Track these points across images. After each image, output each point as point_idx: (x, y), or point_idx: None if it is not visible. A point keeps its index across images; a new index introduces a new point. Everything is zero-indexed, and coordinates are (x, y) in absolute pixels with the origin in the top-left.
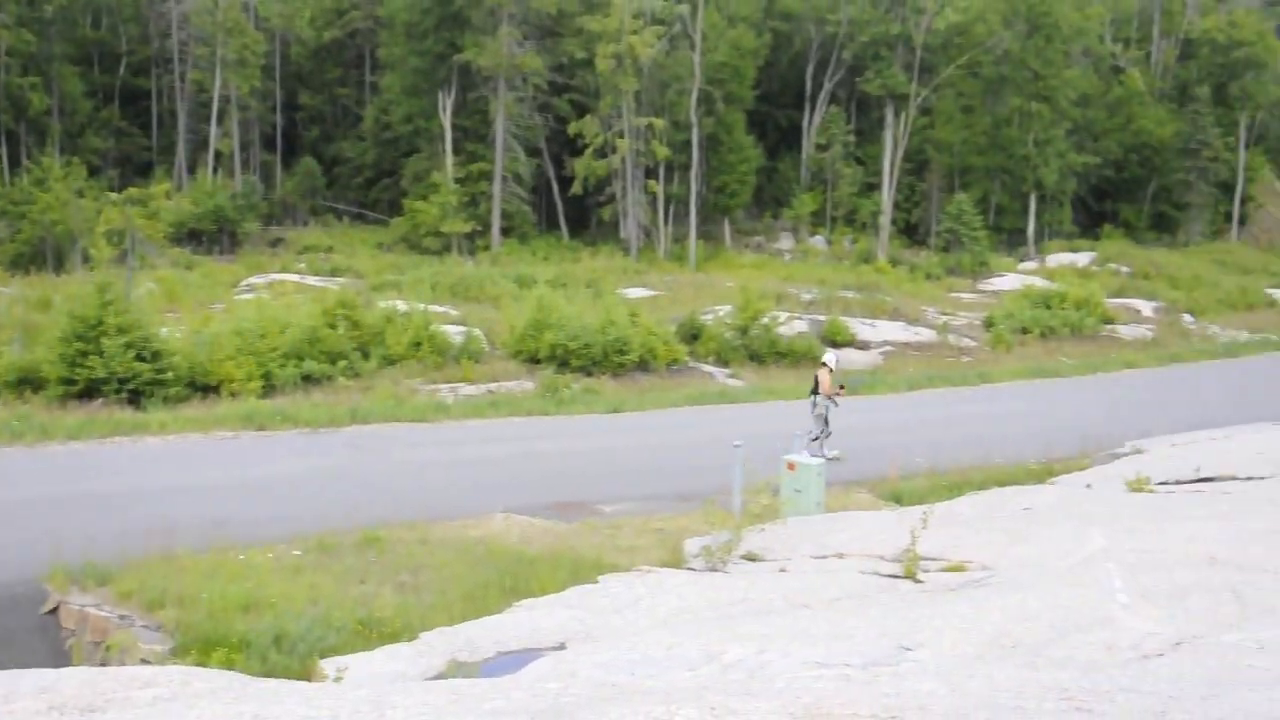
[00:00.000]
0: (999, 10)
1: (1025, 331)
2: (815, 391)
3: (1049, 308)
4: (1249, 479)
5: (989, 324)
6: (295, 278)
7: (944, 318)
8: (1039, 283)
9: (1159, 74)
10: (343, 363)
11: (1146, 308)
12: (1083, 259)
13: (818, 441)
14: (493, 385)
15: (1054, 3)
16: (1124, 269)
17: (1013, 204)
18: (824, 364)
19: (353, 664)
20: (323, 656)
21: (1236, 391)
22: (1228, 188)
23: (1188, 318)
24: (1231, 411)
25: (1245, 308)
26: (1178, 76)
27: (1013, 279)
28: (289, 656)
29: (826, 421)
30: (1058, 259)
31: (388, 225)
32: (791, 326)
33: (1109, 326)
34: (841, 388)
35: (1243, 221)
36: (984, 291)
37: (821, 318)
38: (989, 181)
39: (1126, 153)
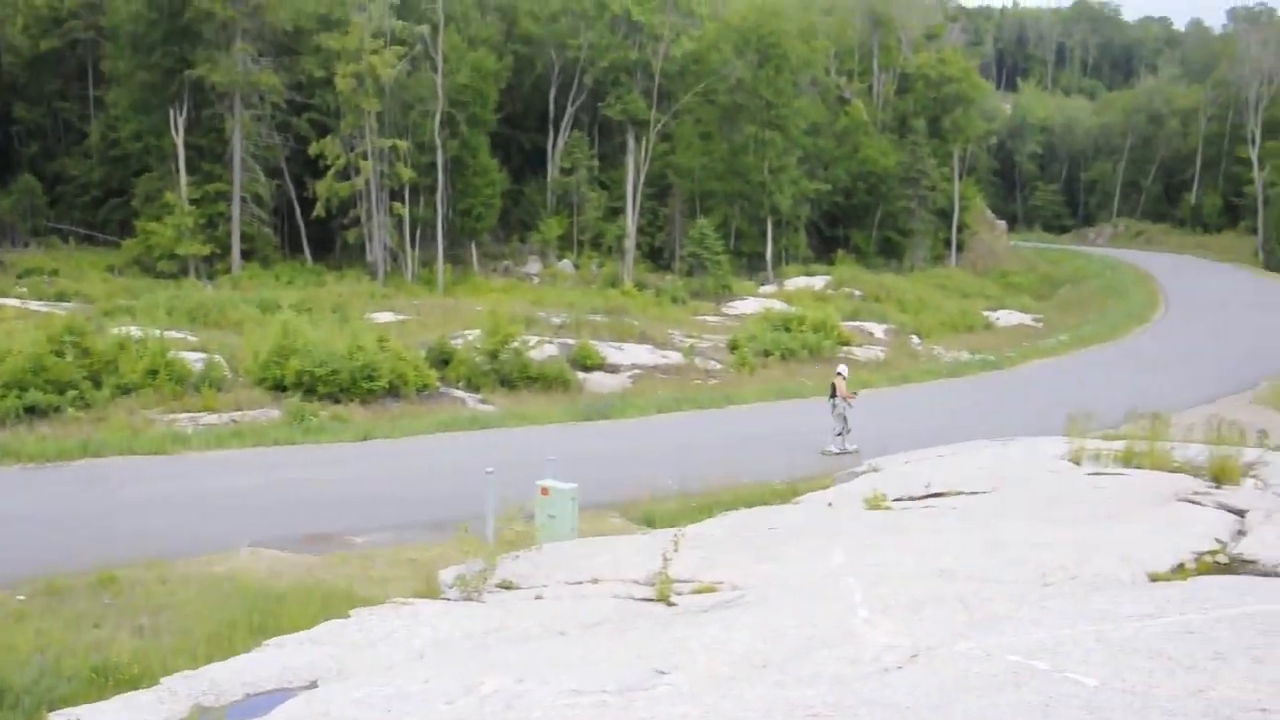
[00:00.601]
0: (731, 40)
1: (768, 354)
2: (833, 395)
3: (789, 330)
4: (974, 493)
5: (733, 347)
6: (15, 303)
7: (690, 341)
8: (779, 306)
9: (880, 106)
10: (72, 393)
11: (878, 330)
12: (819, 283)
13: (841, 436)
14: (236, 414)
15: (782, 34)
16: (857, 293)
17: (752, 229)
18: (838, 373)
19: (86, 715)
20: (52, 709)
21: (960, 409)
22: (946, 215)
23: (915, 339)
24: (956, 428)
25: (966, 329)
26: (897, 109)
27: (754, 302)
28: (13, 712)
29: (846, 420)
30: (796, 283)
31: (119, 247)
32: (542, 350)
33: (845, 348)
34: (855, 393)
35: (960, 248)
36: (728, 315)
37: (571, 341)
38: (729, 207)
39: (855, 181)
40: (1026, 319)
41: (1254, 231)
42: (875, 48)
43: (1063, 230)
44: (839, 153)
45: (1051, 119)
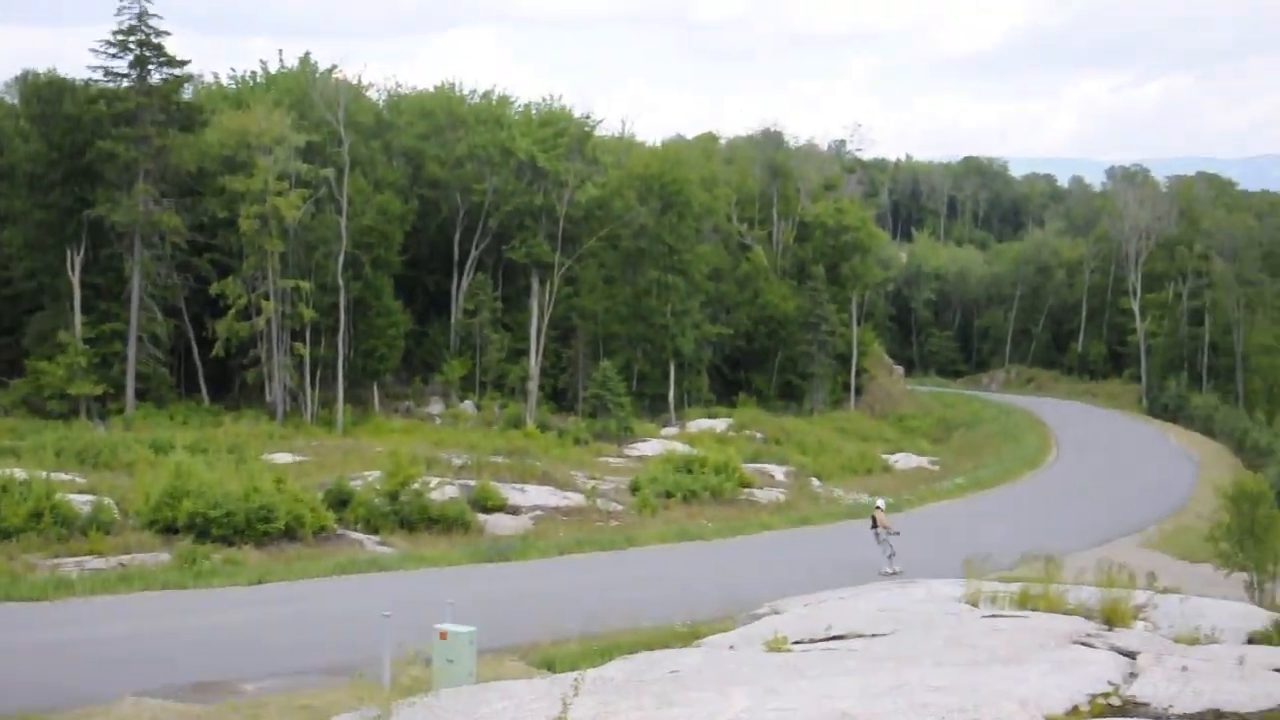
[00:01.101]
0: (635, 187)
1: (669, 495)
2: (875, 527)
3: (691, 472)
4: (874, 635)
5: (635, 488)
6: None
7: (592, 482)
8: (681, 448)
9: (780, 253)
10: None
11: (779, 472)
12: (720, 425)
13: (892, 558)
14: (125, 558)
15: (684, 182)
16: (758, 435)
17: (654, 371)
18: (878, 506)
19: None
20: None
21: (859, 551)
22: (845, 360)
23: (816, 482)
24: (855, 571)
25: (865, 472)
26: (796, 256)
27: (656, 444)
28: None
29: (891, 545)
30: (698, 425)
31: (6, 387)
32: (443, 492)
33: (746, 490)
34: (897, 531)
35: (859, 392)
36: (630, 456)
37: (472, 482)
38: (632, 349)
39: (755, 325)
40: (924, 462)
41: (1138, 379)
42: (775, 197)
43: (957, 375)
44: (740, 297)
45: (945, 268)
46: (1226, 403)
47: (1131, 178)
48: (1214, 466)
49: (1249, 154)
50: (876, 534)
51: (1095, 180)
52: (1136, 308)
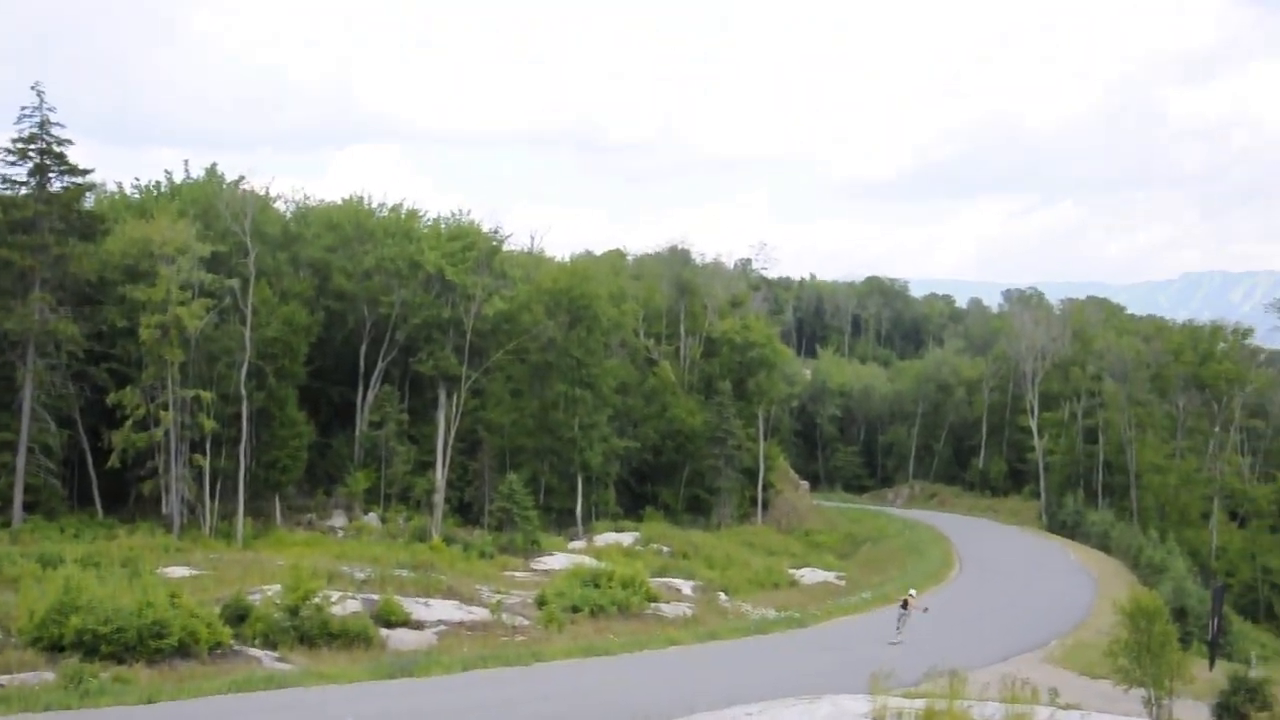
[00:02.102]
0: (543, 301)
1: (576, 610)
2: (904, 607)
3: (598, 586)
4: None
5: (541, 602)
6: None
7: (498, 596)
8: (588, 561)
9: (687, 368)
10: None
11: (686, 586)
12: (628, 539)
13: (900, 632)
14: (4, 678)
15: (592, 297)
16: (665, 549)
17: (562, 484)
18: (910, 593)
19: None
20: None
21: (767, 665)
22: (751, 474)
23: (723, 596)
24: (763, 687)
25: (772, 586)
26: (703, 371)
27: (563, 558)
28: None
29: (905, 623)
30: (605, 538)
31: None
32: (344, 606)
33: (653, 605)
34: (926, 609)
35: (765, 506)
36: (537, 570)
37: (375, 597)
38: (539, 462)
39: (663, 439)
40: (830, 576)
41: (1037, 495)
42: (682, 312)
43: (862, 490)
44: (648, 411)
45: (849, 384)
46: (1122, 519)
47: (1027, 300)
48: (1112, 583)
49: (1136, 280)
50: (903, 614)
51: (992, 302)
52: (1034, 426)
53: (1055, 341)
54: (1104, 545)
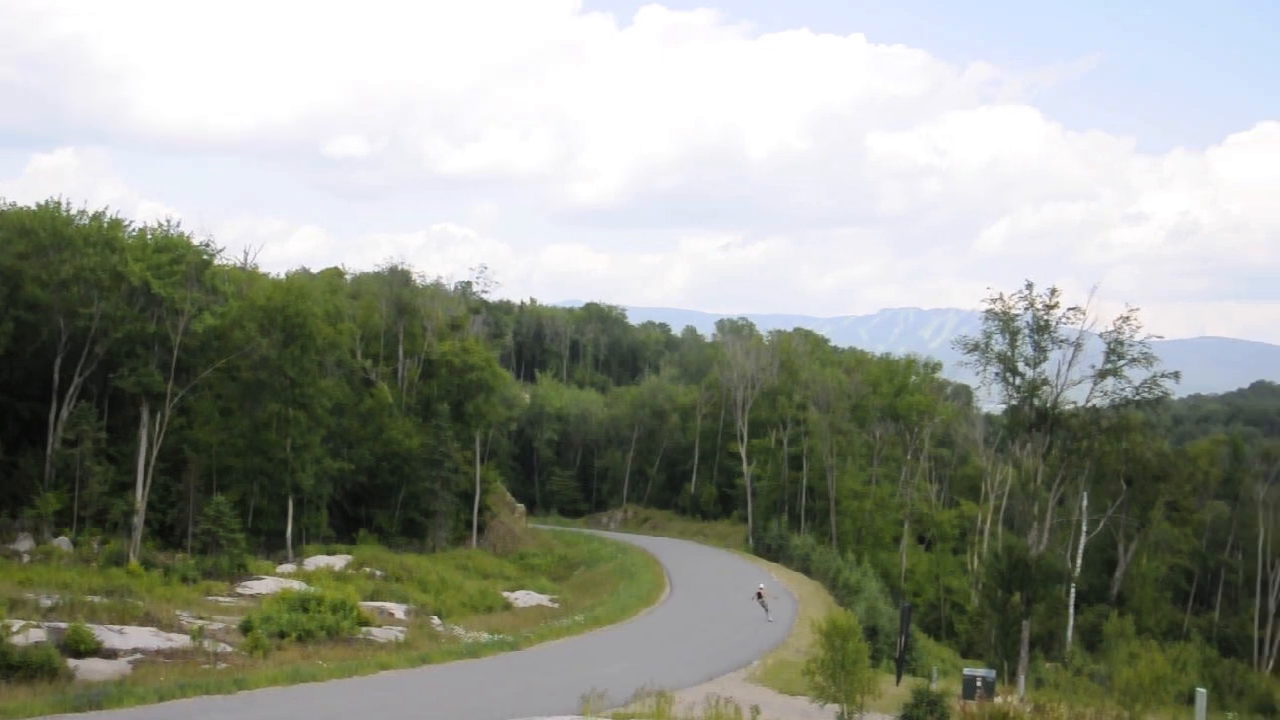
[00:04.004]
0: (256, 318)
1: (284, 635)
2: (760, 598)
3: (307, 611)
4: None
5: (246, 628)
6: None
7: (200, 622)
8: (297, 585)
9: (405, 389)
10: None
11: (399, 610)
12: (339, 562)
13: (769, 613)
14: None
15: (308, 315)
16: (378, 572)
17: (272, 506)
18: (761, 587)
19: None
20: None
21: (479, 690)
22: (468, 497)
23: (436, 620)
24: (474, 710)
25: (486, 609)
26: (422, 393)
27: (272, 582)
28: None
29: (768, 608)
30: (316, 562)
31: None
32: (28, 636)
33: (365, 629)
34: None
35: (481, 529)
36: (243, 595)
37: (63, 625)
38: (248, 483)
39: (379, 461)
40: (544, 599)
41: (745, 520)
42: (401, 334)
43: (578, 514)
44: (364, 433)
45: (567, 409)
46: (822, 543)
47: (738, 330)
48: (812, 604)
49: (840, 313)
50: (762, 603)
51: (706, 331)
52: (743, 452)
53: (764, 371)
54: (805, 568)
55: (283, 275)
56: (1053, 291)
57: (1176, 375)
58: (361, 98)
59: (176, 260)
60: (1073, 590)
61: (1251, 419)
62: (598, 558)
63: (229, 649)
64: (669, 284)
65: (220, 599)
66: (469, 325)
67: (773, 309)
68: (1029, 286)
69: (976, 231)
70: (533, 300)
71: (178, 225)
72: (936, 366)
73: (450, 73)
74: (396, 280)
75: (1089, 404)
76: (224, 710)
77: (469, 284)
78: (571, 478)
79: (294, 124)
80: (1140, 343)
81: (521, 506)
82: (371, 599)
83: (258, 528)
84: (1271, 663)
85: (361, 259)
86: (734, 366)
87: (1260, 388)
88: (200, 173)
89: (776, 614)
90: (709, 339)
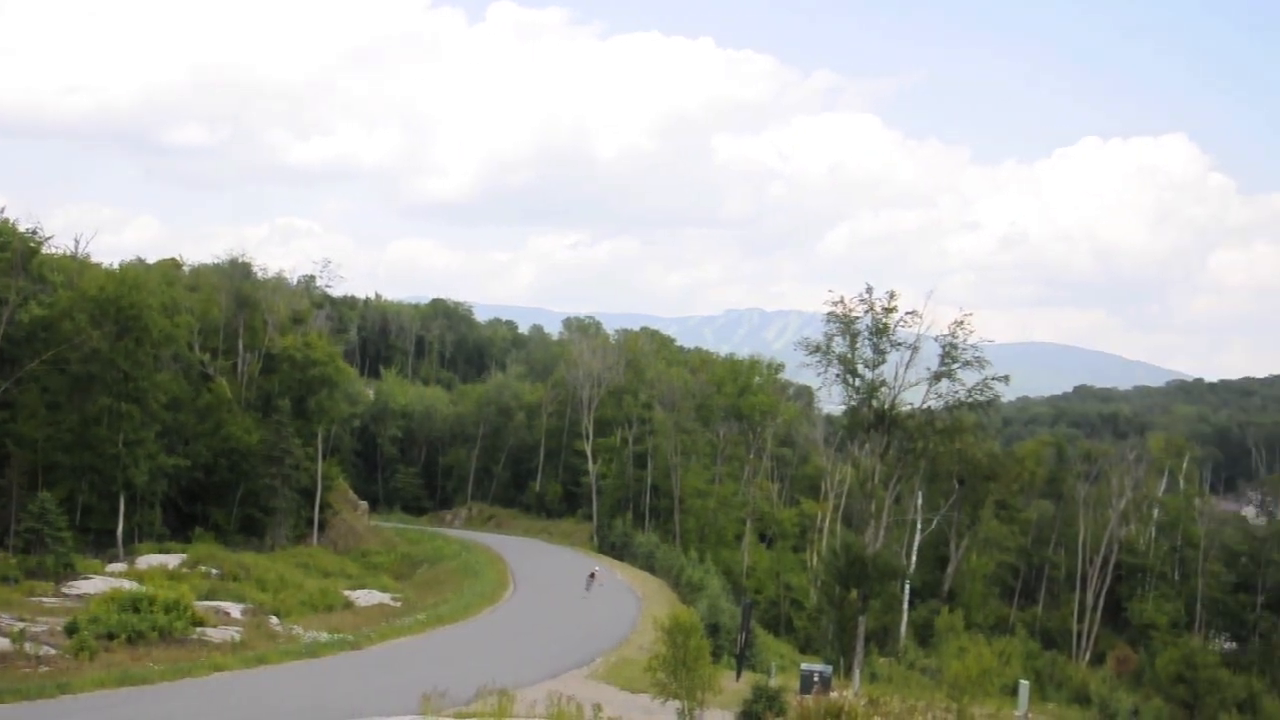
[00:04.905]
0: (88, 309)
1: (112, 636)
2: (591, 578)
3: (138, 611)
4: None
5: (71, 630)
6: None
7: (21, 624)
8: (129, 585)
9: (245, 384)
10: None
11: (235, 610)
12: (173, 561)
13: (589, 591)
14: None
15: (143, 307)
16: (214, 571)
17: (102, 504)
18: (595, 569)
19: None
20: None
21: (318, 690)
22: (309, 494)
23: (274, 619)
24: (313, 710)
25: (326, 609)
26: (262, 388)
27: (101, 582)
28: None
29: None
30: (148, 561)
31: None
32: None
33: (199, 629)
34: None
35: (322, 527)
36: (69, 595)
37: None
38: (76, 480)
39: (216, 457)
40: (386, 598)
41: (590, 518)
42: (241, 327)
43: (421, 512)
44: (201, 429)
45: (412, 406)
46: (666, 541)
47: (585, 329)
48: (655, 601)
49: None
50: (590, 584)
51: (553, 329)
52: (589, 450)
53: (610, 370)
54: (649, 565)
55: (117, 265)
56: (891, 295)
57: (1006, 378)
58: (203, 83)
59: (1, 248)
60: (907, 587)
61: (1074, 421)
62: (441, 556)
63: (53, 651)
64: (517, 281)
65: (45, 600)
66: (312, 320)
67: (620, 308)
68: (869, 290)
69: (820, 235)
70: (378, 295)
71: (1, 211)
72: (779, 367)
73: (296, 62)
74: (237, 273)
75: (924, 405)
76: (45, 716)
77: (313, 278)
78: (416, 475)
79: (132, 109)
80: (973, 346)
81: (364, 504)
82: (207, 598)
83: (87, 526)
84: (1089, 654)
85: (201, 250)
86: (580, 365)
87: (1082, 391)
88: (27, 156)
89: (598, 595)
90: (556, 337)
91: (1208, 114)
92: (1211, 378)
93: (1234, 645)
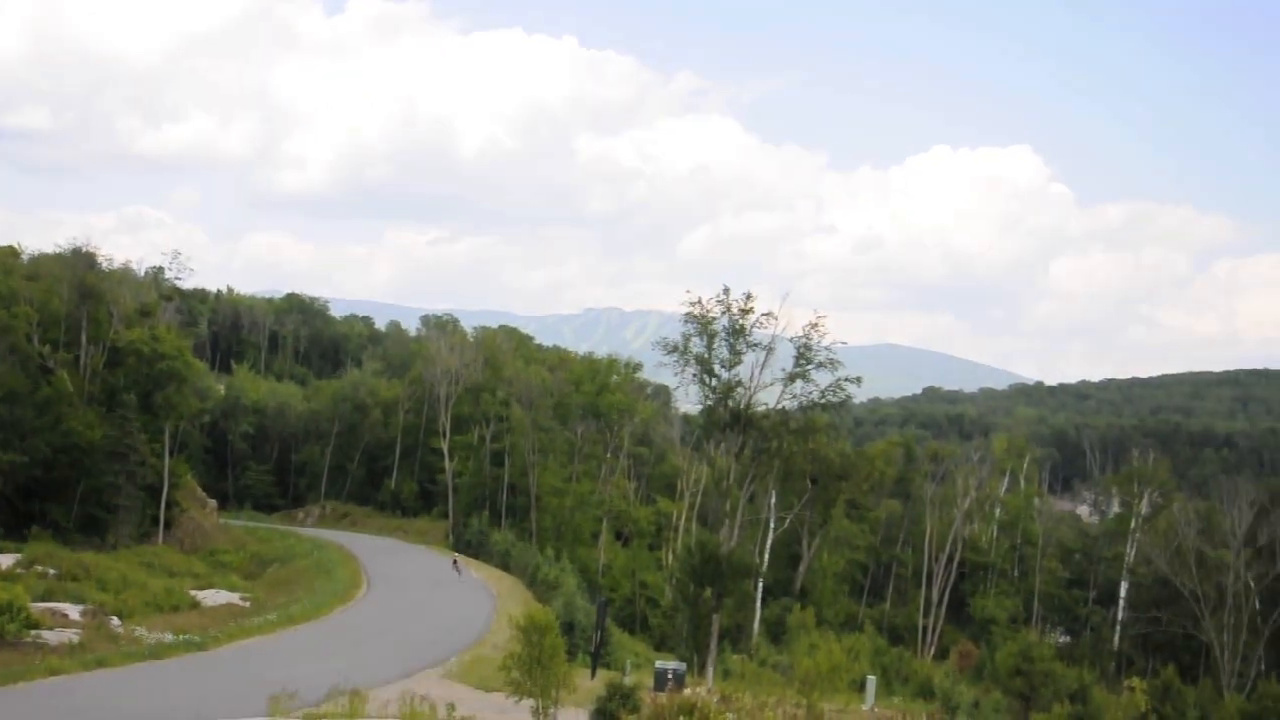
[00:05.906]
0: None
1: None
2: (455, 566)
3: None
4: None
5: None
6: None
7: None
8: None
9: (88, 378)
10: None
11: (74, 611)
12: (8, 561)
13: (461, 576)
14: None
15: None
16: (52, 571)
17: None
18: (455, 557)
19: None
20: None
21: (161, 693)
22: (155, 492)
23: (116, 621)
24: (156, 713)
25: (172, 609)
26: (106, 382)
27: None
28: None
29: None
30: None
31: None
32: None
33: (34, 632)
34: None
35: (169, 525)
36: None
37: None
38: None
39: (56, 453)
40: (235, 598)
41: (446, 516)
42: (85, 319)
43: (273, 510)
44: (39, 423)
45: (264, 402)
46: (523, 539)
47: (443, 326)
48: (510, 599)
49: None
50: (457, 567)
51: (411, 325)
52: (445, 448)
53: (469, 367)
54: (505, 564)
55: None
56: (748, 297)
57: (858, 380)
58: (46, 66)
59: None
60: (760, 584)
61: (923, 422)
62: (293, 554)
63: None
64: (375, 277)
65: None
66: (160, 312)
67: (479, 305)
68: (726, 292)
69: (680, 236)
70: (230, 289)
71: None
72: (637, 367)
73: (147, 48)
74: (80, 262)
75: (779, 406)
76: None
77: (161, 270)
78: (268, 472)
79: None
80: (827, 348)
81: (213, 502)
82: (43, 599)
83: None
84: (934, 649)
85: (43, 239)
86: (438, 362)
87: (931, 393)
88: None
89: (453, 592)
90: (414, 334)
91: (1050, 126)
92: (1051, 381)
93: (1068, 638)
